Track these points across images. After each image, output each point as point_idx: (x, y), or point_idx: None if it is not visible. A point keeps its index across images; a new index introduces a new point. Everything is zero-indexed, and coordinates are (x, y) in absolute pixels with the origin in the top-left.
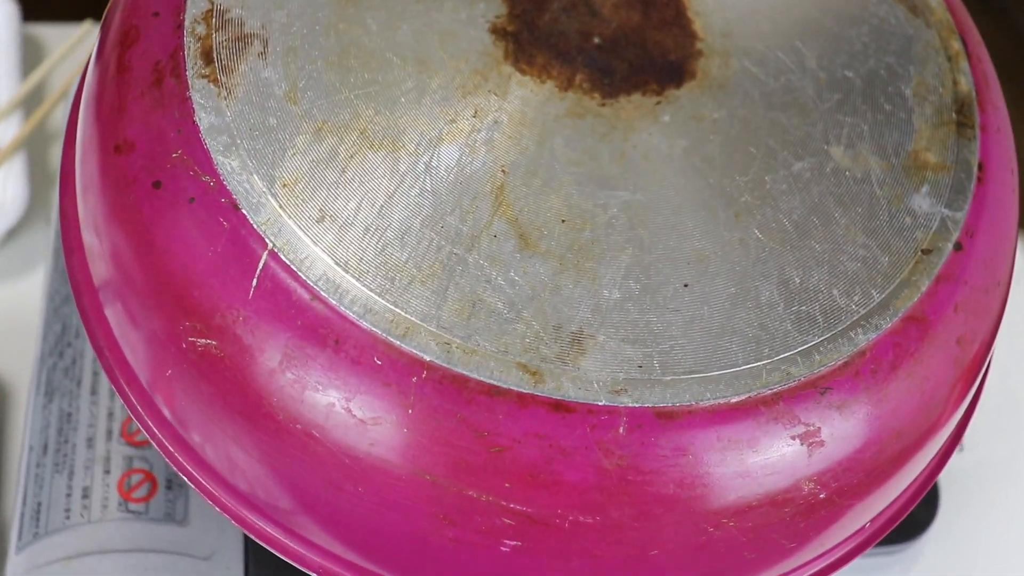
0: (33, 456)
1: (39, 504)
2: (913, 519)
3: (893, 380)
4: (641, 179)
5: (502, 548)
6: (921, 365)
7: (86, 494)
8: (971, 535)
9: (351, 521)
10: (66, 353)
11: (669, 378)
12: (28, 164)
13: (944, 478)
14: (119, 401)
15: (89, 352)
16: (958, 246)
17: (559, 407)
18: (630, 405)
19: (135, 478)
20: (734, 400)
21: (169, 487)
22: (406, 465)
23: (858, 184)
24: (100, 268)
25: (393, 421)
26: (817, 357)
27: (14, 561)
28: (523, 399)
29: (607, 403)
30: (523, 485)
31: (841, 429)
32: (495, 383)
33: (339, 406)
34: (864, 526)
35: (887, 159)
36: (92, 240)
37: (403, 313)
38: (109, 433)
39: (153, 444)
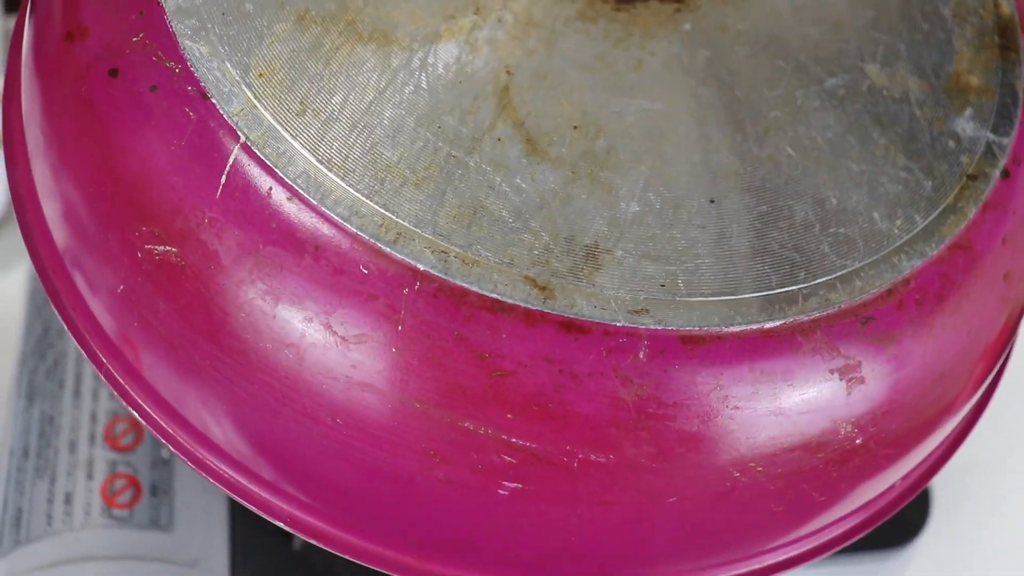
0: (14, 461)
1: (20, 510)
2: (906, 523)
3: (939, 314)
4: (661, 88)
5: (500, 491)
6: (968, 299)
7: (68, 500)
8: (965, 539)
9: (325, 459)
10: (48, 354)
11: (696, 299)
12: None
13: (937, 482)
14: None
15: (72, 353)
16: (1005, 173)
17: (571, 327)
18: (652, 327)
19: (119, 483)
20: (768, 326)
21: (154, 493)
22: (393, 391)
23: (896, 104)
24: (45, 173)
25: (379, 339)
26: (858, 283)
27: None
28: (530, 317)
29: (626, 324)
30: (527, 416)
31: (883, 365)
32: (499, 297)
33: (317, 322)
34: (894, 484)
35: (926, 79)
36: (37, 142)
37: (394, 217)
38: (92, 437)
39: (100, 375)
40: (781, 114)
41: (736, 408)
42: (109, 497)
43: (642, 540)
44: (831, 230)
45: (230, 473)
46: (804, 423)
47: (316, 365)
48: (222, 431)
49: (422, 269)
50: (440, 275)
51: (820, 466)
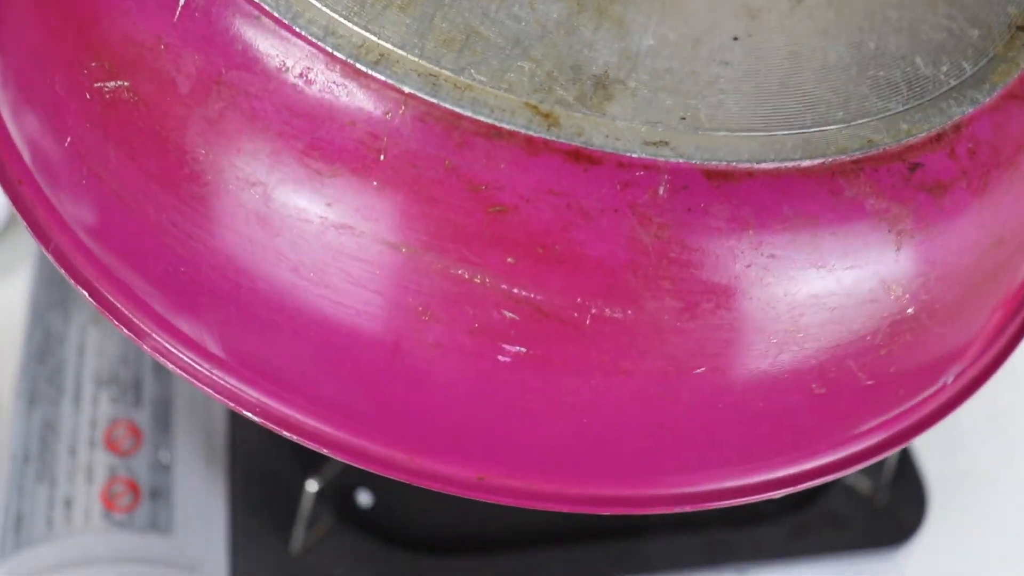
0: (15, 465)
1: (21, 514)
2: (900, 523)
3: (994, 167)
4: None
5: (501, 357)
6: None
7: (69, 504)
8: (960, 539)
9: (296, 327)
10: (48, 360)
11: (722, 134)
12: None
13: (933, 481)
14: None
15: (71, 359)
16: None
17: (579, 157)
18: (673, 160)
19: (118, 487)
20: (805, 164)
21: (153, 497)
22: (375, 232)
23: None
24: None
25: (359, 172)
26: (904, 126)
27: None
28: (533, 145)
29: (643, 156)
30: (531, 260)
31: (935, 218)
32: (496, 123)
33: (287, 154)
34: (944, 384)
35: None
36: None
37: (376, 39)
38: (92, 442)
39: (47, 253)
40: None
41: (772, 257)
42: (109, 501)
43: (664, 427)
44: (870, 72)
45: (185, 353)
46: (850, 281)
47: (286, 206)
48: (174, 299)
49: (408, 92)
50: (429, 98)
51: (868, 338)
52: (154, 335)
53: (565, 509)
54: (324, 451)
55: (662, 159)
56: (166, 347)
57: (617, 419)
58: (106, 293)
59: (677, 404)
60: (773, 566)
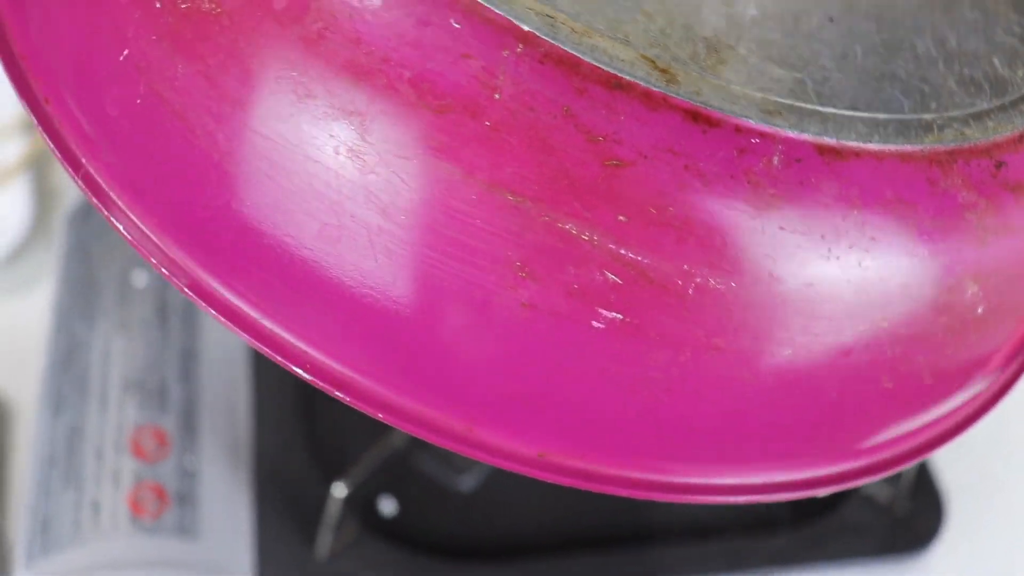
0: (42, 470)
1: (48, 518)
2: (918, 532)
3: None
4: None
5: (595, 323)
6: None
7: (96, 509)
8: (978, 548)
9: (376, 272)
10: (74, 366)
11: (829, 111)
12: (32, 184)
13: (951, 490)
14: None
15: (97, 365)
16: None
17: (698, 118)
18: (787, 132)
19: (145, 493)
20: (907, 150)
21: (180, 502)
22: (481, 176)
23: None
24: None
25: (471, 109)
26: (990, 123)
27: None
28: (652, 100)
29: (759, 123)
30: (643, 221)
31: (1016, 219)
32: (617, 73)
33: (393, 83)
34: (980, 391)
35: None
36: None
37: None
38: (118, 447)
39: (78, 181)
40: None
41: (873, 240)
42: (136, 505)
43: (740, 412)
44: (955, 69)
45: (234, 301)
46: (938, 272)
47: (385, 141)
48: (231, 238)
49: (526, 30)
50: (548, 38)
51: (939, 334)
52: (208, 280)
53: (629, 494)
54: (379, 416)
55: (778, 129)
56: (212, 290)
57: (697, 400)
58: (145, 228)
59: (759, 387)
60: (791, 575)
